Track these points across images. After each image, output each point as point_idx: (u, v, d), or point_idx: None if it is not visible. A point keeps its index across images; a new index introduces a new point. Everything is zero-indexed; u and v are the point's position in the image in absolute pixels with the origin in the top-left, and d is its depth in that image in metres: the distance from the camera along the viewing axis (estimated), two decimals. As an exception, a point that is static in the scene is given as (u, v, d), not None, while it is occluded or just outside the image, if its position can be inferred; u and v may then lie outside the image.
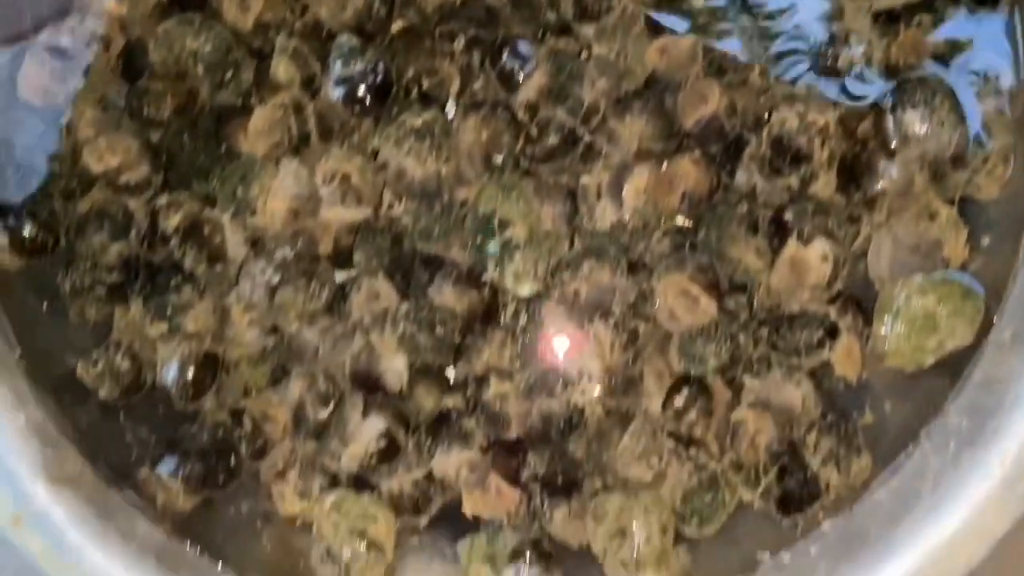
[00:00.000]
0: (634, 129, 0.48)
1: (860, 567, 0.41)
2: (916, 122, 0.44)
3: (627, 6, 0.47)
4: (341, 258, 0.49)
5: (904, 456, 0.44)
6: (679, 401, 0.47)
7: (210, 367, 0.48)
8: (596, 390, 0.46)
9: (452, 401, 0.48)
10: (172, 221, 0.48)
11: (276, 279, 0.47)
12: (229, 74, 0.48)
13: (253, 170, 0.48)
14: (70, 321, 0.49)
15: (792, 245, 0.46)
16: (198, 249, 0.48)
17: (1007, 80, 0.45)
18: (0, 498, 0.43)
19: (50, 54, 0.48)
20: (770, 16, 0.47)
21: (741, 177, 0.48)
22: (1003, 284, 0.44)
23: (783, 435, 0.47)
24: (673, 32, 0.48)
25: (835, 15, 0.46)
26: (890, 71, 0.46)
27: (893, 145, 0.45)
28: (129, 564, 0.43)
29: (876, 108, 0.46)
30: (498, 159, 0.48)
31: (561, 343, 0.47)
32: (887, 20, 0.46)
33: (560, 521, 0.47)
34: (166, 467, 0.46)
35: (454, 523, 0.49)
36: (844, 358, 0.47)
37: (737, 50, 0.48)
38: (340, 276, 0.49)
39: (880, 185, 0.45)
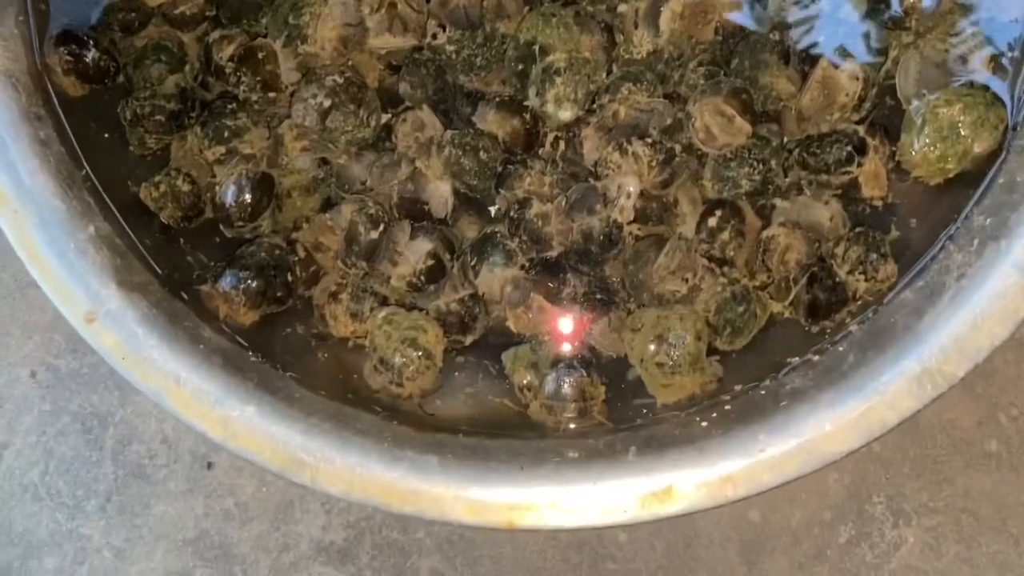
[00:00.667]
0: (671, -42, 0.49)
1: (887, 354, 0.43)
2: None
3: None
4: (387, 93, 0.51)
5: (929, 259, 0.46)
6: (712, 222, 0.49)
7: (266, 188, 0.50)
8: (633, 208, 0.48)
9: (495, 227, 0.51)
10: (226, 51, 0.50)
11: (327, 103, 0.49)
12: (278, -89, 0.50)
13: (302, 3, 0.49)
14: (131, 150, 0.51)
15: (824, 65, 0.48)
16: (252, 76, 0.50)
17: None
18: (74, 297, 0.45)
19: None
20: None
21: (774, 3, 0.49)
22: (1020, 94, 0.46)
23: (812, 251, 0.49)
24: None
25: None
26: None
27: (924, -36, 0.46)
28: (197, 363, 0.46)
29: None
30: (539, -10, 0.50)
31: (600, 165, 0.49)
32: None
33: (599, 333, 0.50)
34: (227, 281, 0.49)
35: (497, 344, 0.51)
36: (871, 179, 0.49)
37: None
38: (385, 116, 0.51)
39: (909, 1, 0.47)
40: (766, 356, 0.49)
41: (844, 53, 0.48)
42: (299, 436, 0.44)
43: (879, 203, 0.50)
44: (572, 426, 0.48)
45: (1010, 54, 0.47)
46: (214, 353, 0.46)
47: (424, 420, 0.48)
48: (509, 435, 0.48)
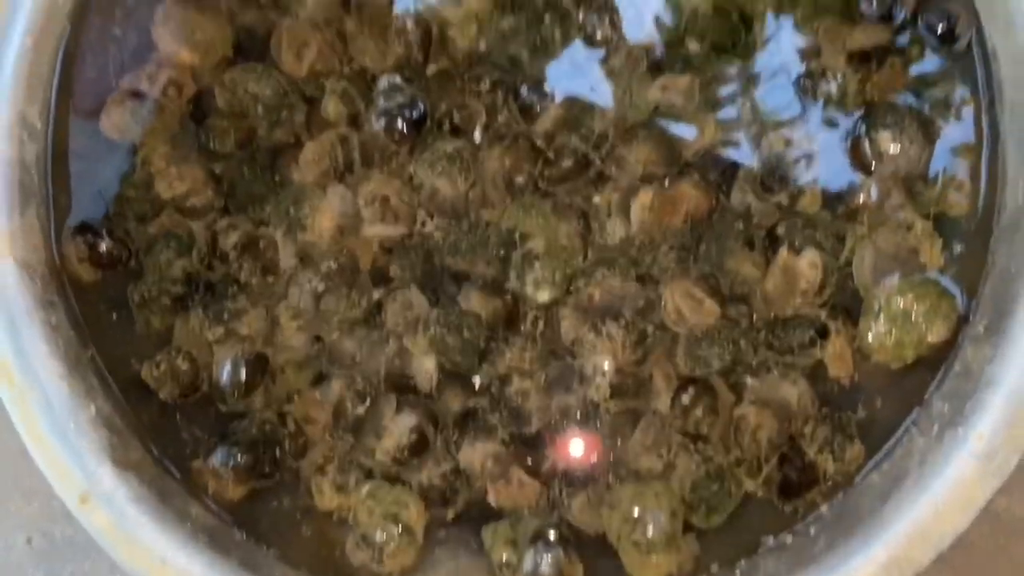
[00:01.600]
0: (640, 155, 0.54)
1: (855, 540, 0.44)
2: (888, 141, 0.49)
3: (632, 50, 0.54)
4: (379, 272, 0.55)
5: (894, 442, 0.48)
6: (686, 399, 0.52)
7: (260, 367, 0.53)
8: (608, 386, 0.51)
9: (477, 401, 0.53)
10: (230, 239, 0.54)
11: (321, 287, 0.53)
12: (284, 114, 0.55)
13: (304, 193, 0.54)
14: (136, 330, 0.54)
15: (784, 254, 0.51)
16: (253, 261, 0.53)
17: (970, 108, 0.51)
18: (71, 478, 0.47)
19: (129, 97, 0.55)
20: (754, 55, 0.54)
21: (736, 197, 0.53)
22: (975, 285, 0.49)
23: (783, 429, 0.51)
24: (672, 72, 0.54)
25: (813, 53, 0.53)
26: (865, 103, 0.52)
27: (871, 164, 0.50)
28: (184, 542, 0.47)
29: (853, 133, 0.52)
30: (519, 181, 0.54)
31: (576, 344, 0.52)
32: (861, 59, 0.52)
33: (578, 509, 0.51)
34: (218, 457, 0.51)
35: (478, 519, 0.52)
36: (836, 360, 0.52)
37: (729, 87, 0.54)
38: (376, 294, 0.55)
39: (861, 198, 0.51)
40: (742, 534, 0.49)
41: (804, 241, 0.51)
42: (279, 617, 0.45)
43: (846, 383, 0.52)
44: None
45: (958, 248, 0.50)
46: (200, 531, 0.48)
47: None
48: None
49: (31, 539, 0.64)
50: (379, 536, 0.49)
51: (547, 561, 0.48)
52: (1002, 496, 0.42)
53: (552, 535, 0.49)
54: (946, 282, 0.49)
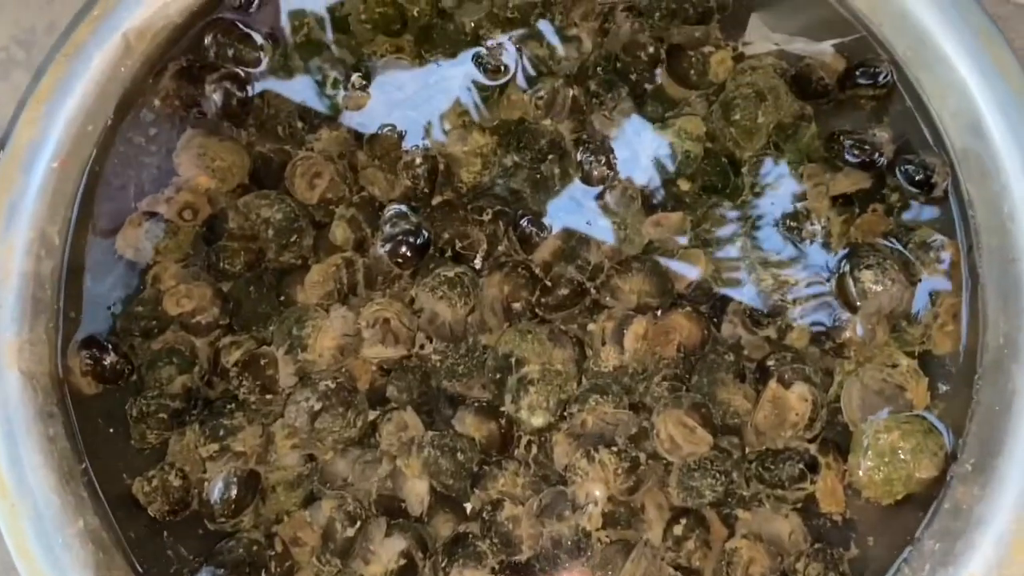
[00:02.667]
0: (634, 286, 0.56)
1: None
2: (871, 281, 0.52)
3: (628, 187, 0.57)
4: (376, 393, 0.56)
5: (887, 580, 0.48)
6: (678, 530, 0.51)
7: (251, 485, 0.53)
8: (600, 515, 0.51)
9: (467, 526, 0.53)
10: (232, 356, 0.55)
11: (318, 406, 0.53)
12: (293, 238, 0.58)
13: (307, 314, 0.56)
14: (131, 444, 0.55)
15: (773, 387, 0.52)
16: (252, 379, 0.54)
17: (949, 253, 0.53)
18: (53, 594, 0.46)
19: (146, 218, 0.58)
20: (743, 196, 0.57)
21: (727, 329, 0.55)
22: (962, 423, 0.50)
23: (775, 564, 0.50)
24: (666, 208, 0.57)
25: (799, 196, 0.56)
26: (849, 244, 0.55)
27: (855, 302, 0.52)
28: (160, 666, 0.46)
29: (838, 272, 0.54)
30: (517, 308, 0.56)
31: (569, 470, 0.52)
32: (844, 202, 0.55)
33: (567, 644, 0.50)
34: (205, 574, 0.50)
35: (465, 649, 0.51)
36: (828, 496, 0.52)
37: (720, 226, 0.57)
38: (372, 414, 0.55)
39: (847, 335, 0.52)
40: (734, 673, 0.48)
41: (793, 375, 0.52)
42: None
43: (838, 519, 0.52)
44: None
45: (943, 387, 0.51)
46: (179, 656, 0.47)
47: None
48: None
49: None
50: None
51: None
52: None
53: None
54: (933, 420, 0.50)
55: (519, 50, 0.59)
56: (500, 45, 0.59)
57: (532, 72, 0.59)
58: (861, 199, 0.56)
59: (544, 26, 0.60)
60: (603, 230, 0.57)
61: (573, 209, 0.57)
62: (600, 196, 0.57)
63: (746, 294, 0.55)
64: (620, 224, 0.57)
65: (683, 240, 0.57)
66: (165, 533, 0.53)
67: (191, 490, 0.53)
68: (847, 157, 0.55)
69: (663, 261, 0.57)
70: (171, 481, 0.53)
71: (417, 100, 0.59)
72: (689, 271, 0.56)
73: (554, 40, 0.59)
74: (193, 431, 0.54)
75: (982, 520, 0.45)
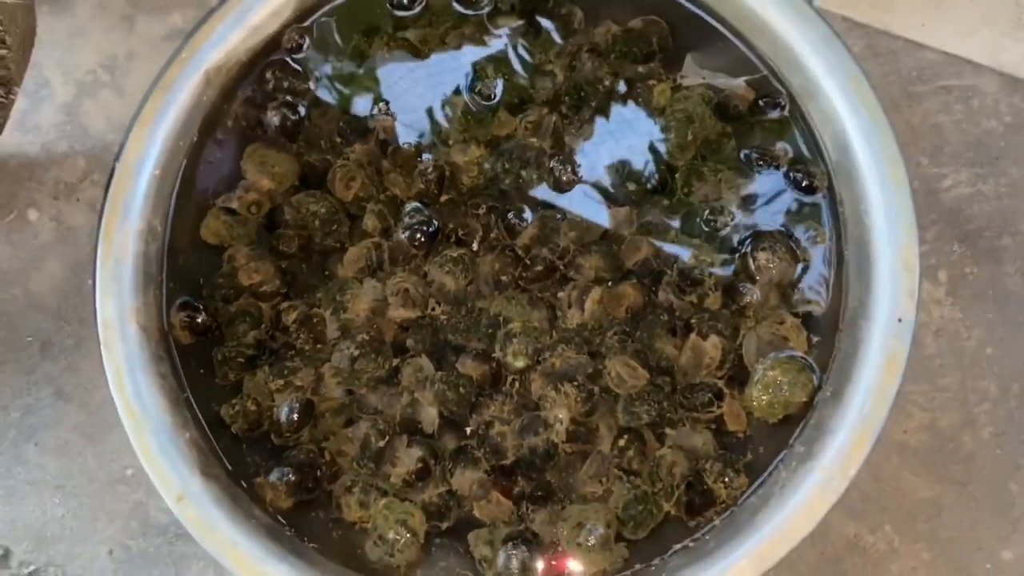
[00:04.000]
0: (592, 264, 0.74)
1: (735, 542, 0.62)
2: (764, 259, 0.70)
3: (587, 187, 0.75)
4: (399, 344, 0.74)
5: (767, 475, 0.66)
6: (622, 443, 0.70)
7: (308, 411, 0.71)
8: (564, 431, 0.69)
9: (467, 441, 0.71)
10: (291, 316, 0.74)
11: (356, 353, 0.72)
12: (334, 227, 0.76)
13: (347, 284, 0.74)
14: (216, 381, 0.73)
15: (694, 338, 0.71)
16: (307, 333, 0.73)
17: (825, 238, 0.71)
18: (171, 484, 0.65)
19: (223, 212, 0.76)
20: (677, 196, 0.75)
21: (662, 296, 0.73)
22: (827, 364, 0.68)
23: (692, 466, 0.69)
24: (619, 205, 0.75)
25: (716, 195, 0.74)
26: (752, 232, 0.73)
27: (755, 275, 0.71)
28: (250, 533, 0.64)
29: (742, 252, 0.72)
30: (504, 280, 0.74)
31: (542, 400, 0.71)
32: (749, 200, 0.73)
33: (539, 522, 0.68)
34: (274, 475, 0.69)
35: (465, 529, 0.70)
36: (733, 418, 0.70)
37: (658, 217, 0.75)
38: (396, 360, 0.74)
39: (748, 299, 0.70)
40: (659, 543, 0.67)
41: (709, 330, 0.71)
42: (316, 589, 0.62)
43: (741, 435, 0.70)
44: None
45: (816, 337, 0.70)
46: (261, 527, 0.65)
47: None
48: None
49: (112, 551, 0.81)
50: (392, 536, 0.66)
51: (515, 557, 0.65)
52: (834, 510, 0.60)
53: (520, 539, 0.66)
54: (808, 361, 0.69)
55: (506, 80, 0.77)
56: (491, 77, 0.77)
57: (515, 100, 0.77)
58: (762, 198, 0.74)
59: (525, 62, 0.77)
60: (570, 221, 0.75)
61: (547, 205, 0.75)
62: (567, 194, 0.75)
63: (676, 269, 0.73)
64: (582, 219, 0.75)
65: (630, 229, 0.75)
66: (244, 445, 0.71)
67: (263, 414, 0.71)
68: (755, 164, 0.73)
69: (615, 245, 0.75)
70: (248, 407, 0.71)
71: (428, 120, 0.77)
72: (635, 253, 0.74)
73: (533, 73, 0.77)
74: (263, 372, 0.72)
75: (833, 429, 0.63)
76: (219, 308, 0.73)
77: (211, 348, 0.72)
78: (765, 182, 0.73)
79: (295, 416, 0.69)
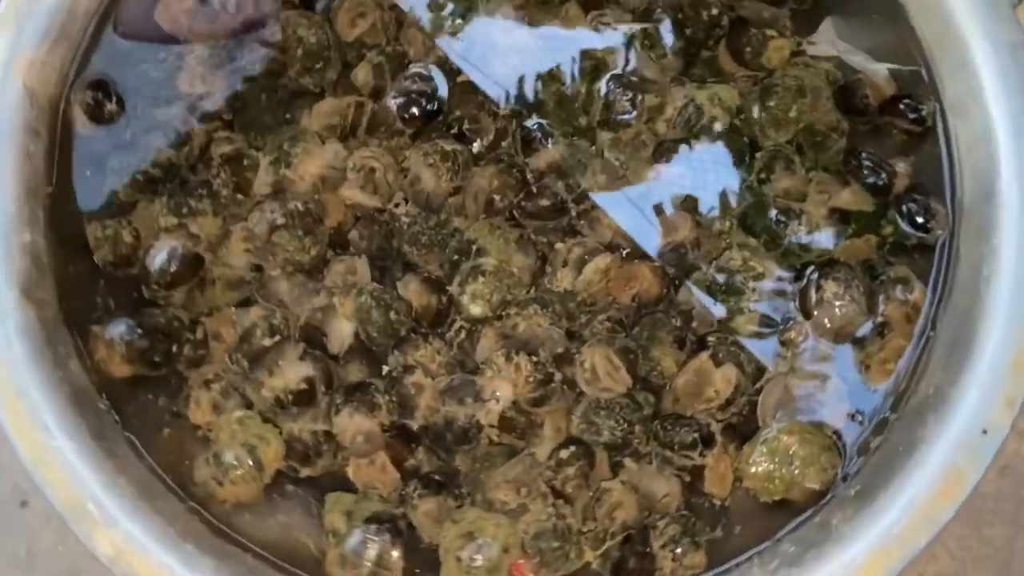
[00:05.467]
0: (613, 224, 0.57)
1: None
2: (832, 293, 0.53)
3: (642, 131, 0.59)
4: (339, 233, 0.58)
5: (734, 565, 0.49)
6: (564, 455, 0.53)
7: (192, 268, 0.55)
8: (498, 413, 0.53)
9: (374, 380, 0.55)
10: (222, 148, 0.58)
11: (280, 221, 0.56)
12: (318, 65, 0.60)
13: (304, 136, 0.58)
14: (102, 191, 0.57)
15: (704, 358, 0.54)
16: (230, 175, 0.57)
17: (917, 299, 0.54)
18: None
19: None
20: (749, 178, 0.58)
21: (683, 294, 0.57)
22: (865, 453, 0.51)
23: (640, 517, 0.52)
24: (670, 162, 0.58)
25: (800, 196, 0.57)
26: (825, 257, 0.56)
27: (812, 309, 0.54)
28: (47, 382, 0.49)
29: (806, 277, 0.55)
30: (498, 203, 0.58)
31: (486, 364, 0.54)
32: (840, 218, 0.56)
33: (423, 512, 0.52)
34: (116, 329, 0.53)
35: (328, 487, 0.54)
36: (716, 479, 0.53)
37: (715, 197, 0.58)
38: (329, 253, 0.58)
39: (791, 335, 0.54)
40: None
41: (728, 356, 0.54)
42: (99, 487, 0.46)
43: (718, 502, 0.53)
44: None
45: (859, 418, 0.53)
46: (67, 384, 0.50)
47: (221, 527, 0.49)
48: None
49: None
50: (230, 459, 0.51)
51: (373, 543, 0.49)
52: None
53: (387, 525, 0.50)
54: (838, 441, 0.52)
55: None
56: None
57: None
58: (856, 222, 0.57)
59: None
60: (604, 162, 0.59)
61: (583, 134, 0.59)
62: (614, 129, 0.59)
63: (714, 267, 0.56)
64: (622, 164, 0.59)
65: (675, 199, 0.58)
66: (102, 282, 0.56)
67: (138, 252, 0.56)
68: (861, 174, 0.56)
69: (649, 211, 0.58)
70: (123, 236, 0.55)
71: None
72: (671, 231, 0.58)
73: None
74: (161, 202, 0.57)
75: (842, 538, 0.46)
76: (140, 108, 0.58)
77: (109, 150, 0.57)
78: (867, 201, 0.56)
79: (172, 267, 0.54)
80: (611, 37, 0.60)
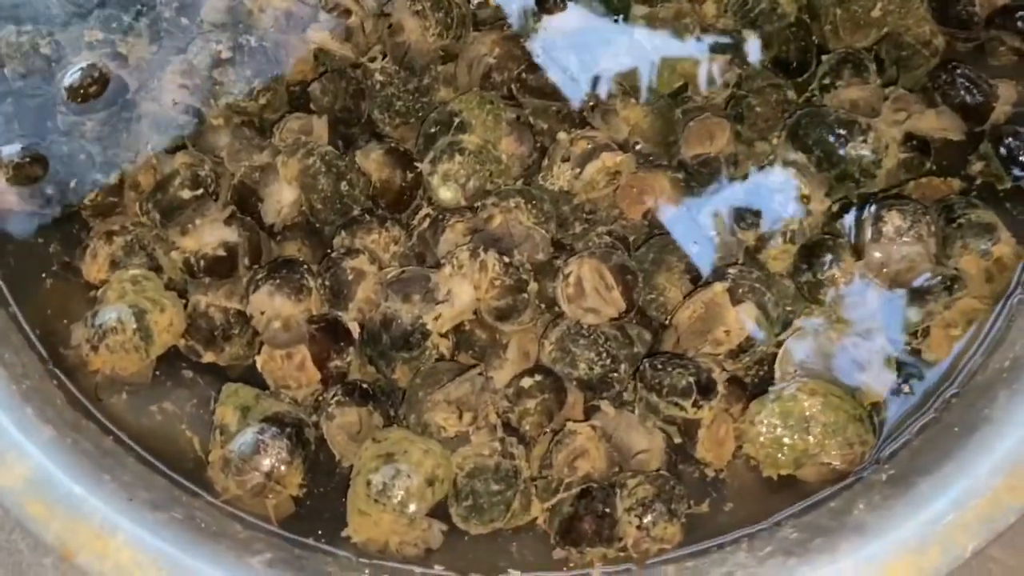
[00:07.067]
0: (632, 117, 0.48)
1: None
2: (894, 225, 0.43)
3: (686, 10, 0.49)
4: (299, 85, 0.49)
5: (716, 544, 0.39)
6: (527, 383, 0.44)
7: (107, 88, 0.47)
8: (451, 319, 0.44)
9: (309, 258, 0.47)
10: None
11: (227, 55, 0.47)
12: None
13: (272, -42, 0.49)
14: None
15: (718, 290, 0.44)
16: (182, -9, 0.49)
17: (1004, 253, 0.44)
18: None
19: None
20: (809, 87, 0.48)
21: (704, 218, 0.47)
22: (905, 431, 0.41)
23: (607, 473, 0.43)
24: (716, 52, 0.49)
25: (871, 111, 0.46)
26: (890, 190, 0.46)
27: (864, 246, 0.44)
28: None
29: (860, 212, 0.45)
30: (495, 78, 0.48)
31: (446, 258, 0.45)
32: (917, 146, 0.46)
33: (338, 424, 0.43)
34: (9, 148, 0.45)
35: (229, 378, 0.45)
36: (713, 444, 0.43)
37: (765, 107, 0.48)
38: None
39: (833, 273, 0.43)
40: (493, 556, 0.41)
41: (748, 294, 0.44)
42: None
43: (710, 471, 0.44)
44: (242, 497, 0.40)
45: (907, 389, 0.42)
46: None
47: (81, 400, 0.41)
48: (169, 476, 0.41)
49: None
50: (110, 321, 0.42)
51: (268, 449, 0.40)
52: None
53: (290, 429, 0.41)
54: (871, 414, 0.42)
55: None
56: None
57: None
58: (938, 154, 0.47)
59: None
60: (635, 44, 0.49)
61: (612, 6, 0.50)
62: (650, 1, 0.49)
63: (747, 186, 0.46)
64: (655, 48, 0.49)
65: (717, 97, 0.48)
66: (10, 99, 0.48)
67: (52, 67, 0.48)
68: (952, 92, 0.46)
69: (680, 111, 0.48)
70: (40, 47, 0.48)
71: None
72: (704, 138, 0.48)
73: None
74: (93, 13, 0.49)
75: (863, 529, 0.36)
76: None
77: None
78: (956, 127, 0.46)
79: (87, 84, 0.46)
80: None
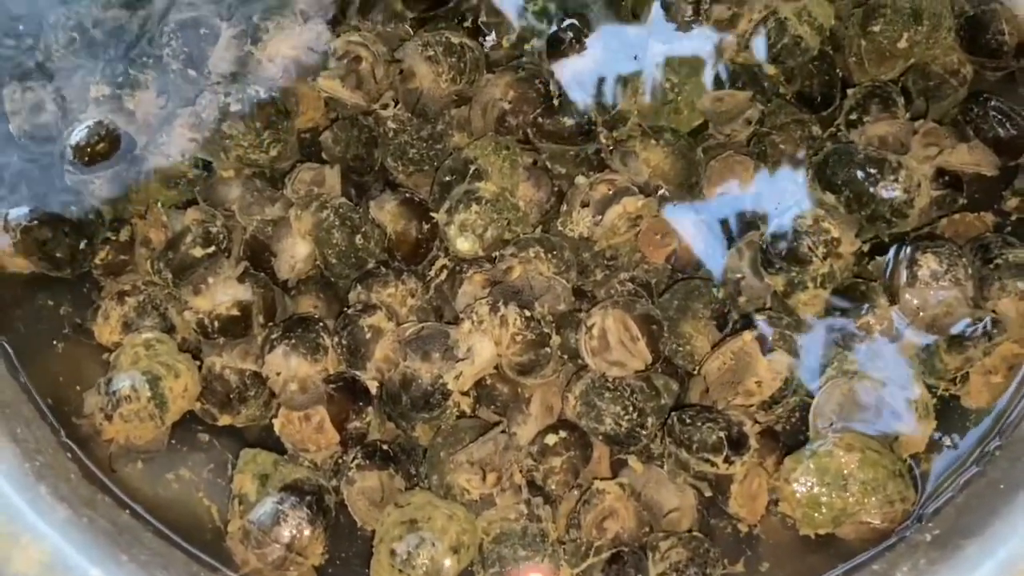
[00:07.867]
0: (652, 159, 0.47)
1: None
2: (930, 269, 0.42)
3: (707, 46, 0.48)
4: (310, 134, 0.49)
5: (753, 613, 0.39)
6: (551, 440, 0.43)
7: (118, 147, 0.47)
8: (472, 377, 0.43)
9: (325, 316, 0.46)
10: (181, 15, 0.49)
11: (235, 107, 0.47)
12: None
13: (279, 5, 0.49)
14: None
15: (748, 339, 0.43)
16: (184, 43, 0.48)
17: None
18: None
19: None
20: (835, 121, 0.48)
21: (731, 260, 0.46)
22: (949, 487, 0.40)
23: (638, 533, 0.42)
24: (735, 87, 0.48)
25: (901, 147, 0.46)
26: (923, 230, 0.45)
27: (899, 290, 0.43)
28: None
29: (896, 253, 0.44)
30: (510, 122, 0.48)
31: (465, 313, 0.44)
32: (949, 183, 0.45)
33: (359, 490, 0.43)
34: (19, 212, 0.45)
35: (250, 443, 0.45)
36: (746, 498, 0.43)
37: (788, 144, 0.48)
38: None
39: (868, 320, 0.43)
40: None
41: (780, 343, 0.43)
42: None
43: (744, 528, 0.43)
44: (263, 571, 0.40)
45: (948, 442, 0.41)
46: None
47: (96, 473, 0.41)
48: (188, 551, 0.41)
49: None
50: (122, 387, 0.42)
51: (289, 519, 0.40)
52: None
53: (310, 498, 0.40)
54: (912, 468, 0.41)
55: None
56: None
57: None
58: (971, 190, 0.46)
59: None
60: (651, 82, 0.48)
61: (629, 44, 0.49)
62: (674, 36, 0.48)
63: (775, 227, 0.46)
64: (673, 86, 0.48)
65: (742, 132, 0.48)
66: (16, 157, 0.48)
67: (59, 125, 0.47)
68: (985, 126, 0.45)
69: (701, 151, 0.48)
70: (46, 103, 0.47)
71: None
72: (725, 173, 0.47)
73: None
74: (99, 67, 0.48)
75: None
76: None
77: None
78: (990, 161, 0.45)
79: (95, 143, 0.46)
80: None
